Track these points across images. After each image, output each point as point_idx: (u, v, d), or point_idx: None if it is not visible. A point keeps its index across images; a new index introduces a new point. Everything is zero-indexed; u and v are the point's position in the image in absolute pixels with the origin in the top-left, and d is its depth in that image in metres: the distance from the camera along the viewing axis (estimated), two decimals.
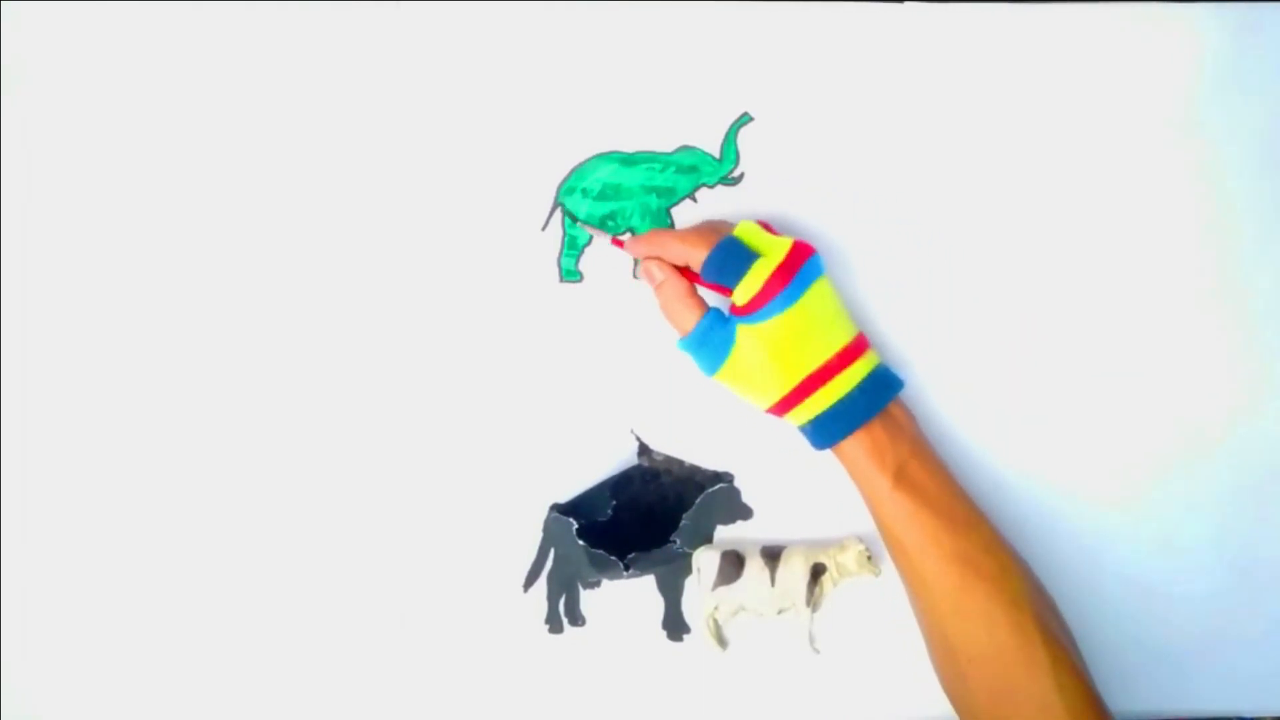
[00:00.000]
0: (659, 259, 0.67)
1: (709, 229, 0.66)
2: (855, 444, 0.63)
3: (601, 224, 0.74)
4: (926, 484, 0.63)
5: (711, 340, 0.64)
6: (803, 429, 0.66)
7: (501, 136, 0.74)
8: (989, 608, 0.60)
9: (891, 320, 0.74)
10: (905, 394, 0.69)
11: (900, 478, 0.62)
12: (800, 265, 0.62)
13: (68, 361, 0.73)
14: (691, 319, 0.65)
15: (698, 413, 0.73)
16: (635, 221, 0.74)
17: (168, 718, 0.72)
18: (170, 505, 0.73)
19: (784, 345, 0.62)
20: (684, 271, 0.67)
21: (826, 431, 0.64)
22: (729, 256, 0.63)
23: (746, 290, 0.62)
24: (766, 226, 0.66)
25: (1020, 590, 0.61)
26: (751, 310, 0.62)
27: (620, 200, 0.74)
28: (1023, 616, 0.60)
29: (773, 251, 0.63)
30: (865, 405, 0.63)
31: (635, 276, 0.73)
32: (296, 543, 0.73)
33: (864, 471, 0.63)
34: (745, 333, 0.63)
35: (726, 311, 0.65)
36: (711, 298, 0.69)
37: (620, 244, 0.70)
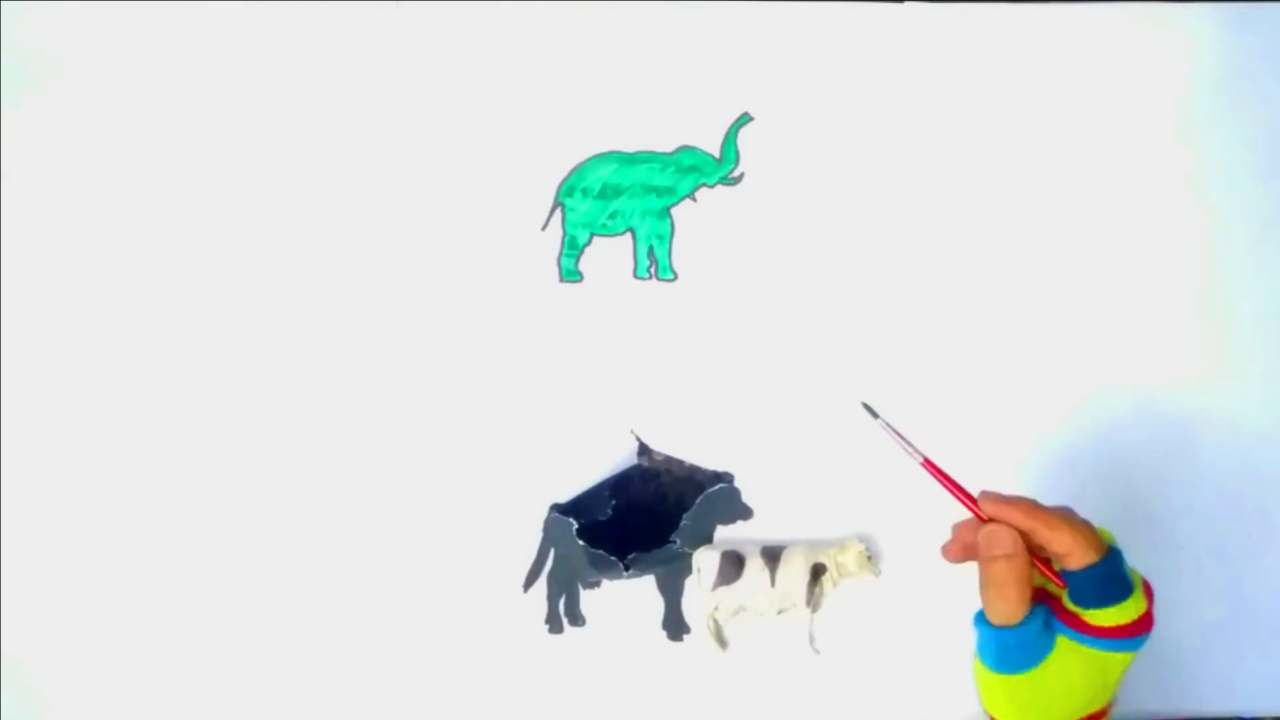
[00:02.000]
0: (1014, 532, 0.55)
1: (1086, 525, 0.54)
2: None
3: (601, 224, 0.74)
4: None
5: (1030, 644, 0.54)
6: None
7: (501, 136, 0.74)
8: None
9: (891, 319, 0.74)
10: (907, 398, 0.69)
11: None
12: (1151, 617, 0.54)
13: (69, 362, 0.73)
14: (1023, 610, 0.54)
15: (698, 413, 0.73)
16: (635, 221, 0.74)
17: (168, 717, 0.72)
18: (171, 506, 0.73)
19: (1097, 679, 0.54)
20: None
21: None
22: (1114, 575, 0.53)
23: (1113, 618, 0.53)
24: None
25: None
26: (1097, 635, 0.53)
27: (620, 200, 0.74)
28: None
29: (1139, 589, 0.54)
30: None
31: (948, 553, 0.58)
32: (297, 543, 0.73)
33: None
34: (1069, 648, 0.54)
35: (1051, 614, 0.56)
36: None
37: (933, 468, 0.58)
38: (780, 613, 0.70)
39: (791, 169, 0.74)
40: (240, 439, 0.73)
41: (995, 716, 0.56)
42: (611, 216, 0.74)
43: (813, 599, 0.69)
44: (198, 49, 0.74)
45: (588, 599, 0.72)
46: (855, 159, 0.74)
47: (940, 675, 0.66)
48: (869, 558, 0.69)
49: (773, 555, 0.69)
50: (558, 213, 0.74)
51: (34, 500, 0.73)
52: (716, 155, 0.74)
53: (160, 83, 0.74)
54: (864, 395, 0.72)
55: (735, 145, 0.74)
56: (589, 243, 0.74)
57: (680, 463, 0.73)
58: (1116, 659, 0.54)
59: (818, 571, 0.69)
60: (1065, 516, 0.54)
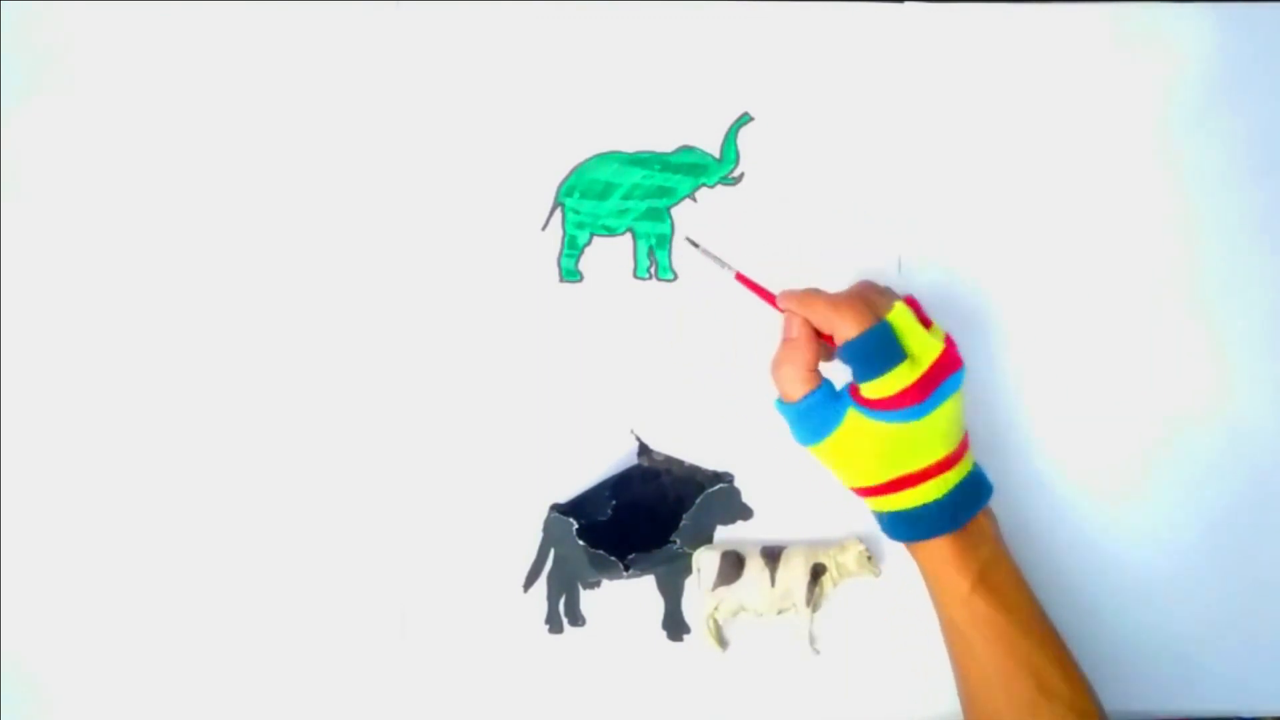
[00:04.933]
0: (800, 318, 0.61)
1: (863, 302, 0.58)
2: (938, 545, 0.60)
3: (601, 224, 0.74)
4: (1006, 590, 0.60)
5: (816, 415, 0.59)
6: (879, 515, 0.62)
7: (501, 136, 0.74)
8: None
9: None
10: None
11: (980, 582, 0.59)
12: (943, 379, 0.58)
13: (68, 362, 0.73)
14: (802, 389, 0.59)
15: (698, 413, 0.73)
16: (635, 221, 0.74)
17: (168, 716, 0.72)
18: (170, 508, 0.73)
19: (892, 444, 0.58)
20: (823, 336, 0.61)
21: (908, 529, 0.60)
22: (877, 348, 0.57)
23: (879, 389, 0.57)
24: (918, 311, 0.61)
25: (1089, 711, 0.59)
26: (875, 408, 0.57)
27: (620, 200, 0.74)
28: None
29: (922, 356, 0.57)
30: (954, 513, 0.59)
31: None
32: (297, 543, 0.73)
33: (942, 573, 0.60)
34: (856, 420, 0.58)
35: (838, 385, 0.61)
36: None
37: (743, 279, 0.65)
38: (780, 613, 0.70)
39: (791, 169, 0.74)
40: (241, 439, 0.73)
41: (840, 478, 0.63)
42: (611, 216, 0.74)
43: (813, 599, 0.69)
44: (198, 49, 0.74)
45: (588, 599, 0.72)
46: (855, 159, 0.74)
47: (940, 675, 0.66)
48: (869, 558, 0.69)
49: (773, 555, 0.70)
50: (558, 213, 0.74)
51: (35, 499, 0.73)
52: (716, 155, 0.74)
53: (160, 83, 0.74)
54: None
55: (735, 145, 0.74)
56: (589, 243, 0.74)
57: (680, 463, 0.73)
58: (900, 431, 0.57)
59: (818, 571, 0.69)
60: (840, 296, 0.59)
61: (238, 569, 0.73)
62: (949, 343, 0.59)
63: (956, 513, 0.59)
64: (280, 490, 0.73)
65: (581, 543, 0.70)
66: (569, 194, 0.74)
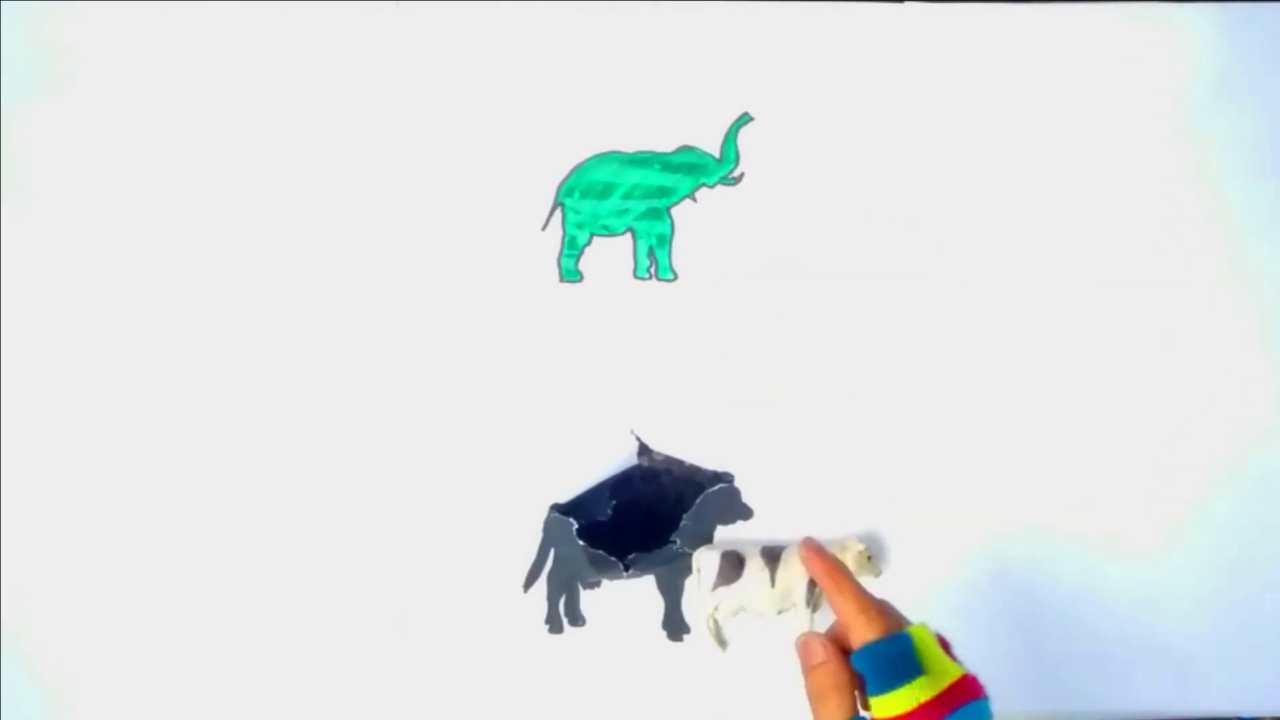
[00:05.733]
0: (823, 639, 0.56)
1: (888, 609, 0.55)
2: None
3: (601, 224, 0.74)
4: None
5: None
6: None
7: (501, 136, 0.74)
8: None
9: (891, 319, 0.74)
10: (907, 397, 0.69)
11: None
12: (962, 704, 0.53)
13: (70, 361, 0.73)
14: (845, 715, 0.54)
15: (698, 413, 0.73)
16: (635, 221, 0.74)
17: (168, 714, 0.72)
18: (171, 508, 0.73)
19: None
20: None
21: None
22: (898, 657, 0.53)
23: (893, 706, 0.52)
24: (945, 645, 0.56)
25: None
26: None
27: (620, 200, 0.74)
28: None
29: (939, 675, 0.53)
30: None
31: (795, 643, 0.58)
32: (298, 542, 0.73)
33: None
34: None
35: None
36: None
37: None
38: (780, 613, 0.70)
39: (791, 169, 0.74)
40: (242, 439, 0.73)
41: None
42: (611, 216, 0.74)
43: (813, 599, 0.69)
44: (198, 50, 0.74)
45: (588, 599, 0.72)
46: (855, 159, 0.74)
47: None
48: (869, 558, 0.69)
49: (773, 555, 0.69)
50: (558, 213, 0.74)
51: (35, 499, 0.73)
52: (716, 155, 0.74)
53: (160, 82, 0.74)
54: (862, 394, 0.72)
55: (735, 145, 0.74)
56: (589, 243, 0.74)
57: (680, 463, 0.73)
58: None
59: None
60: (857, 587, 0.54)
61: (238, 569, 0.73)
62: (968, 676, 0.54)
63: None
64: (280, 490, 0.73)
65: (581, 543, 0.70)
66: (569, 194, 0.74)
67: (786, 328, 0.74)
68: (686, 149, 0.74)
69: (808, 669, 0.55)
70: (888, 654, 0.53)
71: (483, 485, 0.73)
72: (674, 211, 0.74)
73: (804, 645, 0.56)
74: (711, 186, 0.74)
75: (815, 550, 0.56)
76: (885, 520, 0.72)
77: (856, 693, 0.54)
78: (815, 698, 0.55)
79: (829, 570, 0.55)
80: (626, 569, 0.70)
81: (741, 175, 0.74)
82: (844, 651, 0.54)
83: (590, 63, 0.75)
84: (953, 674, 0.53)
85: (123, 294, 0.74)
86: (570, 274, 0.74)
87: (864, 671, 0.54)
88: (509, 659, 0.72)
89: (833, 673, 0.54)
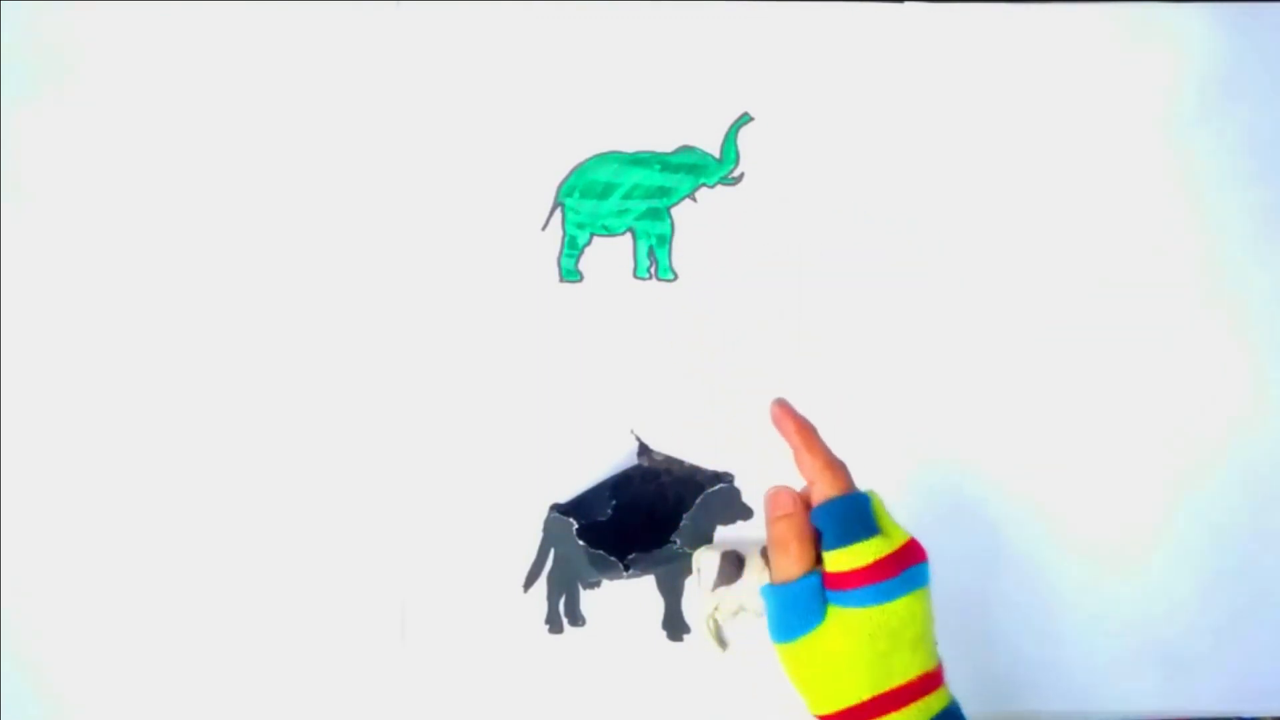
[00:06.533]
0: (794, 492, 0.57)
1: (847, 474, 0.56)
2: None
3: (601, 224, 0.74)
4: None
5: (803, 603, 0.54)
6: None
7: (501, 136, 0.74)
8: None
9: (891, 319, 0.74)
10: (907, 398, 0.69)
11: None
12: (911, 564, 0.54)
13: (69, 361, 0.73)
14: (799, 568, 0.55)
15: (698, 413, 0.73)
16: (635, 221, 0.74)
17: (167, 714, 0.72)
18: (170, 509, 0.73)
19: (869, 649, 0.53)
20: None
21: None
22: (855, 514, 0.54)
23: (852, 559, 0.53)
24: None
25: None
26: (843, 586, 0.54)
27: (620, 200, 0.74)
28: None
29: (893, 537, 0.54)
30: None
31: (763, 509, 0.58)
32: (297, 543, 0.73)
33: None
34: (836, 615, 0.54)
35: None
36: None
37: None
38: None
39: (791, 169, 0.74)
40: (241, 439, 0.73)
41: (809, 702, 0.55)
42: (611, 216, 0.74)
43: None
44: (198, 49, 0.74)
45: (588, 599, 0.72)
46: (855, 159, 0.74)
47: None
48: None
49: None
50: (558, 213, 0.74)
51: (35, 499, 0.73)
52: (716, 155, 0.74)
53: (160, 82, 0.74)
54: (862, 394, 0.72)
55: (735, 145, 0.74)
56: (589, 243, 0.74)
57: (680, 463, 0.73)
58: (876, 622, 0.52)
59: None
60: (825, 448, 0.56)
61: (238, 569, 0.73)
62: (916, 540, 0.56)
63: None
64: (280, 491, 0.73)
65: (581, 543, 0.70)
66: (569, 194, 0.74)
67: (786, 328, 0.74)
68: (686, 149, 0.74)
69: (773, 519, 0.56)
70: (848, 511, 0.55)
71: (483, 485, 0.73)
72: (674, 211, 0.74)
73: (773, 496, 0.57)
74: (711, 186, 0.74)
75: (786, 408, 0.57)
76: None
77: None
78: (777, 546, 0.56)
79: (800, 428, 0.57)
80: (626, 569, 0.70)
81: (741, 175, 0.74)
82: (809, 508, 0.56)
83: (590, 63, 0.75)
84: (903, 537, 0.55)
85: (122, 293, 0.74)
86: (570, 274, 0.74)
87: (823, 527, 0.55)
88: (509, 659, 0.72)
89: (797, 525, 0.55)
